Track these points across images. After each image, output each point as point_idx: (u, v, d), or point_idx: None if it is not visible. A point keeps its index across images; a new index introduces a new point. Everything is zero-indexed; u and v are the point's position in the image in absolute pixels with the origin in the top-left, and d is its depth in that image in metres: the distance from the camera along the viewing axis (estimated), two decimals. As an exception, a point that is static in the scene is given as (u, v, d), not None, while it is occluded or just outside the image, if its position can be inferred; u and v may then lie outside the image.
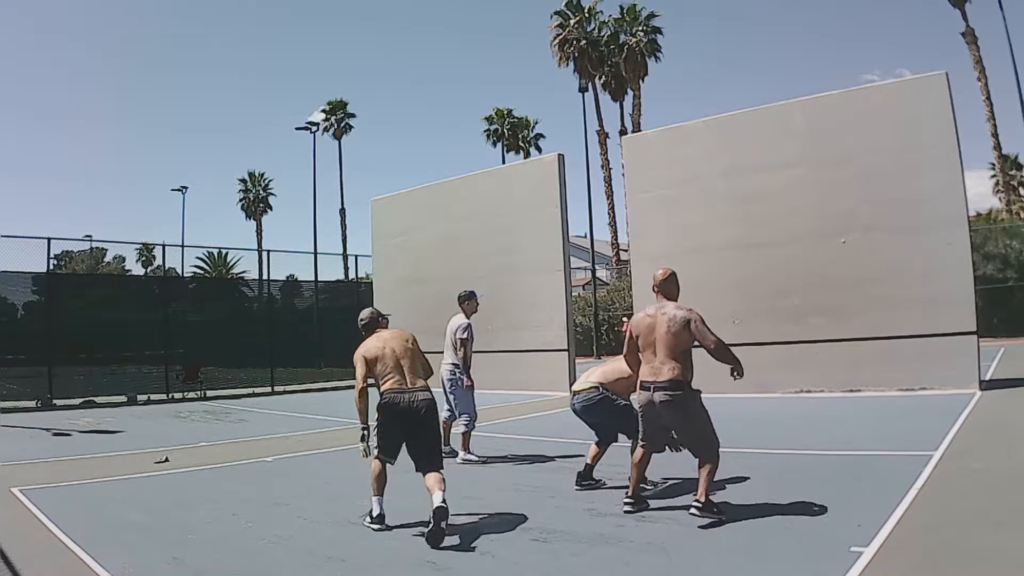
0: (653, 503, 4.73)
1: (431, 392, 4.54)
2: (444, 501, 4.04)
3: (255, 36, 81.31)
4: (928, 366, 10.00)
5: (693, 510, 4.16)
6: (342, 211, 42.34)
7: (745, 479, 5.35)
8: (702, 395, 4.42)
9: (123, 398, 15.19)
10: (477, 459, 6.73)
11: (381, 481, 4.40)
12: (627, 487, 4.63)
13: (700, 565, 3.56)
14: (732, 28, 72.51)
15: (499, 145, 42.21)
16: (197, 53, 78.09)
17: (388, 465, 4.42)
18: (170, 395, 15.96)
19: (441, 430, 5.80)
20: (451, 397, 7.01)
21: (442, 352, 7.31)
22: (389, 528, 4.36)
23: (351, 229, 48.17)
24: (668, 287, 4.63)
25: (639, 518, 4.40)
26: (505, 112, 42.30)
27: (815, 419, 8.56)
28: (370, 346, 4.61)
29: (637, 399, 4.58)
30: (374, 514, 4.39)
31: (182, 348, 17.34)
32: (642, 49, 35.28)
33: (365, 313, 5.00)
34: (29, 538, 4.44)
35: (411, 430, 4.39)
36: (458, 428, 6.91)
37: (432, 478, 4.19)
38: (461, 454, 6.80)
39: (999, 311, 21.80)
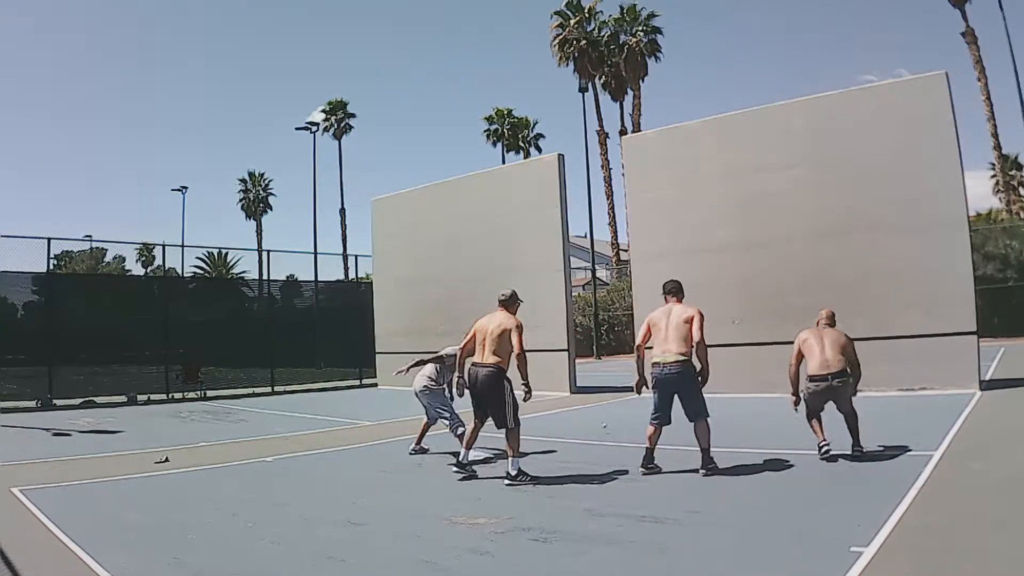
0: (653, 502, 4.73)
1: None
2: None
3: (255, 36, 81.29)
4: (928, 366, 10.00)
5: (856, 453, 5.67)
6: (342, 211, 42.42)
7: (745, 479, 5.36)
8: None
9: (123, 398, 15.19)
10: (484, 457, 6.79)
11: None
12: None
13: (700, 565, 3.56)
14: (732, 28, 72.48)
15: (499, 145, 42.22)
16: (197, 53, 78.11)
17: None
18: (170, 395, 15.96)
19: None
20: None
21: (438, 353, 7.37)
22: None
23: (351, 229, 48.11)
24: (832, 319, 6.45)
25: (639, 518, 4.39)
26: (505, 112, 42.29)
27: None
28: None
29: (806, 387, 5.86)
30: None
31: (182, 348, 17.30)
32: (642, 49, 35.29)
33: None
34: (29, 538, 4.44)
35: None
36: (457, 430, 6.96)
37: None
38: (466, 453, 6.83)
39: (999, 311, 21.80)
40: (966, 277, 10.16)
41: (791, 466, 5.67)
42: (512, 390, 5.70)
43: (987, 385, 10.14)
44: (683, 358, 5.49)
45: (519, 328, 5.71)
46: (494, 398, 5.66)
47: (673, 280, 5.96)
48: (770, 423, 8.56)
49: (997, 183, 34.02)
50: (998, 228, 25.82)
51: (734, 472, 5.58)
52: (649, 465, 5.60)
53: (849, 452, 5.73)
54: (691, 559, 3.65)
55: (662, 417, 5.58)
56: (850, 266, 10.77)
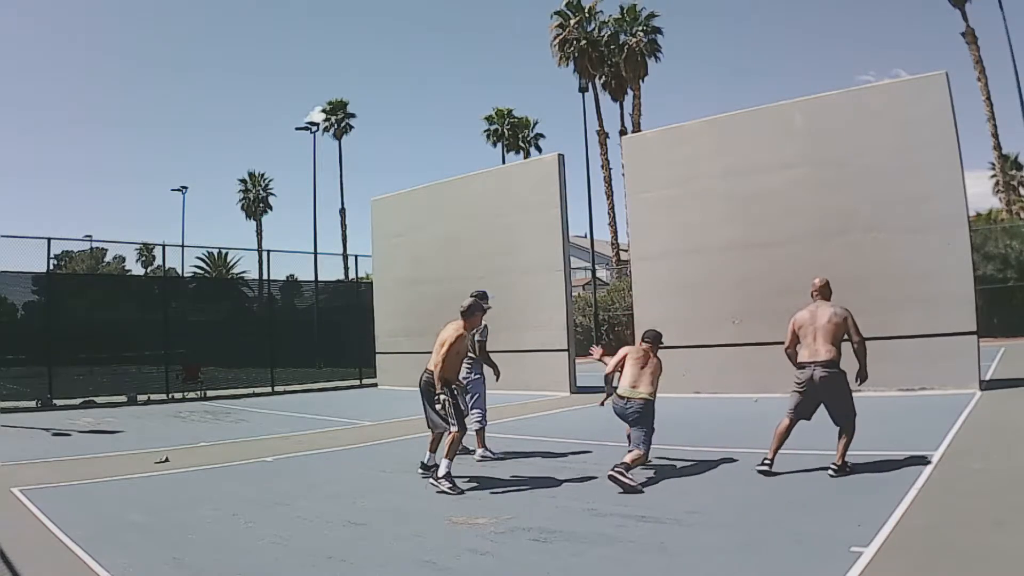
0: (653, 502, 4.74)
1: None
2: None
3: (255, 36, 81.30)
4: (928, 366, 10.00)
5: (831, 471, 5.20)
6: (342, 211, 42.45)
7: (745, 479, 5.35)
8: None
9: (123, 398, 15.19)
10: (494, 455, 6.77)
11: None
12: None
13: (700, 565, 3.56)
14: (732, 28, 72.55)
15: (499, 145, 42.22)
16: (197, 53, 78.13)
17: None
18: (170, 395, 15.96)
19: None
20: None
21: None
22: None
23: (351, 229, 48.15)
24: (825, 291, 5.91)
25: (639, 518, 4.39)
26: (505, 112, 42.29)
27: (815, 419, 8.53)
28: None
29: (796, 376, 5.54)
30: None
31: (182, 348, 17.33)
32: (642, 49, 35.28)
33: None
34: (29, 538, 4.44)
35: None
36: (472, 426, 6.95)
37: None
38: (478, 451, 6.82)
39: (999, 311, 21.81)
40: (966, 277, 10.16)
41: (791, 466, 5.66)
42: (454, 394, 5.64)
43: (987, 385, 10.14)
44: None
45: (448, 340, 5.68)
46: (429, 401, 5.76)
47: (650, 330, 5.97)
48: (770, 423, 8.54)
49: (997, 183, 34.00)
50: (998, 228, 25.82)
51: (734, 472, 5.59)
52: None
53: (831, 467, 5.30)
54: (691, 559, 3.64)
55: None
56: (850, 266, 10.74)
